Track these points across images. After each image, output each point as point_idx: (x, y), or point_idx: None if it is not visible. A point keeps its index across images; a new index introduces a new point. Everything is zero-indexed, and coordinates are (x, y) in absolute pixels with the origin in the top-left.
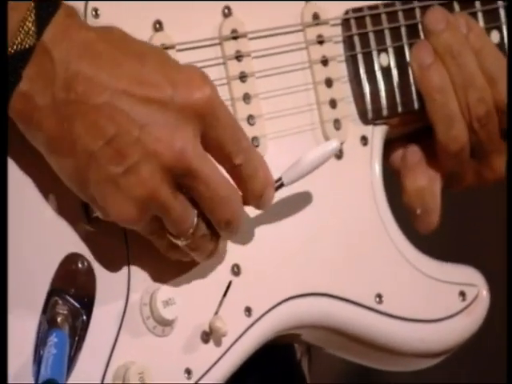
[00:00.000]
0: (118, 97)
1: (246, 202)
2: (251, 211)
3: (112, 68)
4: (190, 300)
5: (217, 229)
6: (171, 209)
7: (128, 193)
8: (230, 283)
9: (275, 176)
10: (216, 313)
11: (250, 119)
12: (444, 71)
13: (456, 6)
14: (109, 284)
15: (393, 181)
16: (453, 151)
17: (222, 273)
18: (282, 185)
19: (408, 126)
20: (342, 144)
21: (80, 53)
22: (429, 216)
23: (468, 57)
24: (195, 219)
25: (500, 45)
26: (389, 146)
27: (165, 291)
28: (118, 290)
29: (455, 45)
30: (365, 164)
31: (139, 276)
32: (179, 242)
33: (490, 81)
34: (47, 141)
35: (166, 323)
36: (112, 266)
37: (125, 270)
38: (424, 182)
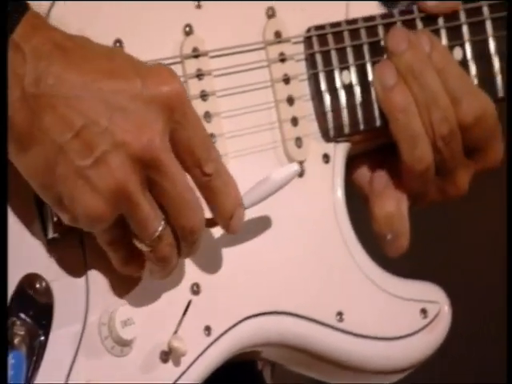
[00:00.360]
0: (87, 89)
1: (213, 222)
2: (212, 229)
3: (82, 63)
4: (148, 319)
5: (180, 237)
6: (139, 205)
7: (97, 185)
8: (189, 302)
9: None
10: (175, 332)
11: (211, 138)
12: (407, 91)
13: (419, 23)
14: (67, 304)
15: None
16: (418, 171)
17: (181, 292)
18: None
19: (370, 143)
20: (303, 162)
21: (50, 49)
22: (399, 240)
23: (430, 76)
24: (162, 223)
25: (463, 62)
26: (352, 162)
27: (123, 311)
28: (76, 309)
29: (417, 64)
30: (327, 182)
31: (98, 296)
32: (143, 247)
33: (453, 100)
34: (17, 137)
35: (125, 343)
36: (70, 285)
37: (83, 289)
38: (392, 208)
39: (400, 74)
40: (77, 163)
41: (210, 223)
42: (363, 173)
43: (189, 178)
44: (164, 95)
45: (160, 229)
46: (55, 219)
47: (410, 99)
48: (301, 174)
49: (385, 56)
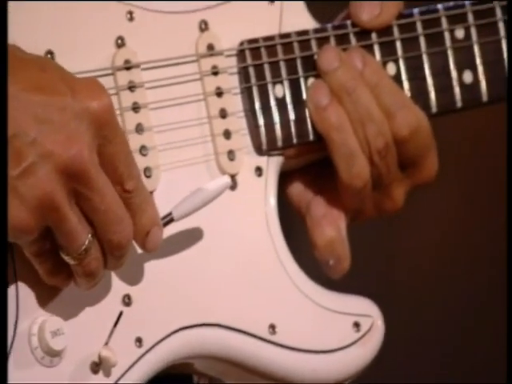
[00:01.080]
0: (17, 99)
1: (130, 240)
2: None
3: (12, 72)
4: (79, 330)
5: (106, 251)
6: (66, 218)
7: (23, 196)
8: (120, 313)
9: (166, 210)
10: (106, 343)
11: (143, 150)
12: (341, 110)
13: (352, 38)
14: None
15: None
16: (356, 188)
17: (112, 303)
18: (171, 220)
19: (305, 158)
20: (236, 175)
21: None
22: (341, 264)
23: (363, 92)
24: (89, 236)
25: (396, 77)
26: (287, 177)
27: (53, 321)
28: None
29: (349, 82)
30: (259, 195)
31: (27, 306)
32: (70, 260)
33: (388, 114)
34: None
35: (55, 354)
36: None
37: (13, 300)
38: (333, 233)
39: (333, 92)
40: (9, 172)
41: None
42: (298, 189)
43: None
44: (93, 110)
45: (87, 242)
46: None
47: (343, 117)
48: (233, 187)
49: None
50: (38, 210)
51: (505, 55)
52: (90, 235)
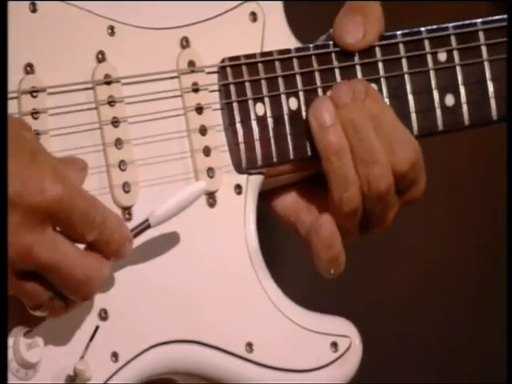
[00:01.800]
0: None
1: (106, 258)
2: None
3: None
4: (55, 343)
5: (71, 304)
6: (21, 293)
7: None
8: (96, 328)
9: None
10: (82, 357)
11: (122, 165)
12: (343, 136)
13: (334, 59)
14: None
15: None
16: (345, 212)
17: (89, 317)
18: (148, 226)
19: (287, 177)
20: (215, 192)
21: None
22: (340, 269)
23: (370, 131)
24: (48, 297)
25: None
26: (274, 193)
27: (28, 333)
28: None
29: (359, 120)
30: (238, 213)
31: None
32: (35, 313)
33: (389, 148)
34: None
35: (29, 366)
36: None
37: None
38: (338, 251)
39: (340, 121)
40: None
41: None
42: (286, 203)
43: None
44: (44, 204)
45: (46, 301)
46: None
47: (345, 144)
48: (213, 205)
49: (299, 87)
50: None
51: (487, 79)
52: (48, 296)
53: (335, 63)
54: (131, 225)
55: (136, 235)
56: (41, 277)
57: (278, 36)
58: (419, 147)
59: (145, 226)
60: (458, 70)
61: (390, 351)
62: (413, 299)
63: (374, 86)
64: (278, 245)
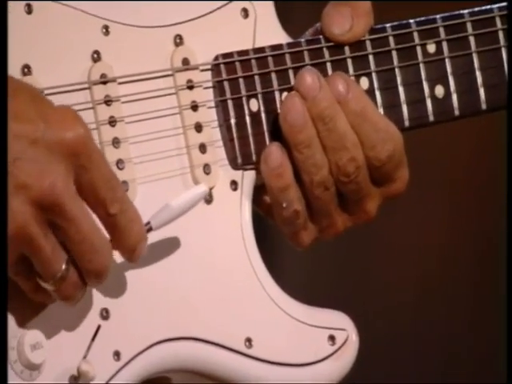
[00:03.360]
0: None
1: (118, 252)
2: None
3: None
4: (58, 344)
5: (85, 278)
6: (40, 248)
7: None
8: (98, 327)
9: (144, 220)
10: (84, 357)
11: (120, 163)
12: (312, 129)
13: (326, 52)
14: None
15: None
16: (317, 193)
17: (90, 317)
18: (150, 229)
19: None
20: (211, 189)
21: None
22: (292, 203)
23: (340, 121)
24: (64, 265)
25: (369, 91)
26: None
27: (32, 335)
28: None
29: (327, 111)
30: (235, 209)
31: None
32: (47, 286)
33: (369, 142)
34: None
35: (34, 367)
36: None
37: None
38: (289, 181)
39: (310, 115)
40: None
41: None
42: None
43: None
44: (67, 141)
45: (62, 269)
46: None
47: (314, 136)
48: (209, 201)
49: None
50: (12, 240)
51: (476, 69)
52: (64, 263)
53: (327, 57)
54: None
55: None
56: (60, 241)
57: (270, 31)
58: (401, 139)
59: (147, 228)
60: (447, 61)
61: (385, 346)
62: (410, 295)
63: (365, 79)
64: (276, 240)
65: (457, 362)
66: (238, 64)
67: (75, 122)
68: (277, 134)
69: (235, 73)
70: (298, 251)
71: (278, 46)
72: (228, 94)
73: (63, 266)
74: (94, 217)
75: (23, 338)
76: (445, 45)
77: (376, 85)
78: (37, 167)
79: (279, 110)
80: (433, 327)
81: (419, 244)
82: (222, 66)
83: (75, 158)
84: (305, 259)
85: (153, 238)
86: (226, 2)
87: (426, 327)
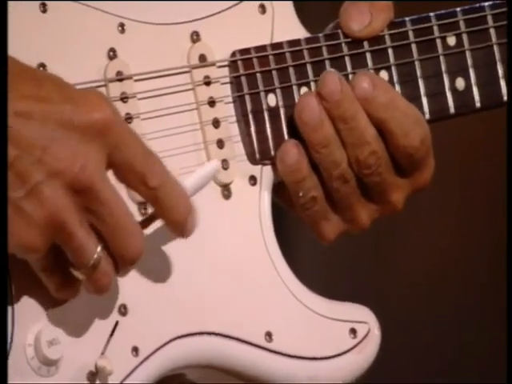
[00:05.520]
0: (18, 119)
1: (148, 221)
2: None
3: (9, 90)
4: (75, 340)
5: (119, 264)
6: (73, 234)
7: (30, 216)
8: (116, 323)
9: None
10: (102, 353)
11: None
12: (331, 129)
13: (344, 47)
14: None
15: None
16: (336, 186)
17: (108, 313)
18: None
19: None
20: (230, 184)
21: None
22: (308, 191)
23: (360, 117)
24: (98, 251)
25: (388, 83)
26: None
27: (49, 331)
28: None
29: (348, 112)
30: (253, 204)
31: (23, 316)
32: (79, 275)
33: (402, 133)
34: None
35: (51, 363)
36: None
37: (9, 310)
38: (305, 173)
39: (329, 115)
40: (10, 195)
41: (146, 223)
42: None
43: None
44: (95, 122)
45: (95, 256)
46: None
47: (333, 135)
48: (228, 196)
49: (310, 77)
50: (45, 229)
51: (497, 61)
52: (99, 249)
53: (345, 51)
54: None
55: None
56: (92, 228)
57: (288, 27)
58: (429, 130)
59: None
60: (468, 53)
61: (403, 338)
62: (427, 287)
63: (384, 72)
64: (293, 234)
65: (472, 354)
66: (255, 59)
67: (101, 102)
68: (295, 129)
69: (252, 68)
70: (314, 244)
71: (296, 42)
72: (245, 89)
73: (96, 253)
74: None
75: (40, 334)
76: (465, 37)
77: (396, 78)
78: (67, 151)
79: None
80: (450, 319)
81: (436, 237)
82: (239, 62)
83: (105, 139)
84: (322, 252)
85: (171, 233)
86: None
87: (443, 319)
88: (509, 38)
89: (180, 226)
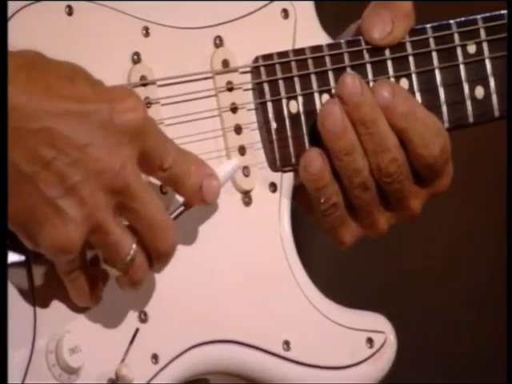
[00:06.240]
0: (56, 120)
1: (190, 203)
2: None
3: (45, 90)
4: (96, 347)
5: (154, 259)
6: (110, 232)
7: (68, 215)
8: (136, 330)
9: (183, 224)
10: (123, 360)
11: None
12: (353, 135)
13: (365, 55)
14: (14, 331)
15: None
16: (356, 193)
17: (129, 320)
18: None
19: None
20: (250, 191)
21: (10, 78)
22: (330, 199)
23: (381, 125)
24: (134, 246)
25: (409, 91)
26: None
27: (71, 338)
28: (24, 337)
29: (368, 115)
30: (274, 211)
31: (45, 323)
32: (115, 272)
33: (422, 143)
34: None
35: (72, 371)
36: (17, 312)
37: (31, 316)
38: (328, 180)
39: (350, 119)
40: (47, 194)
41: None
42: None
43: None
44: (132, 123)
45: (132, 252)
46: None
47: (355, 142)
48: (248, 203)
49: (332, 84)
50: (83, 228)
51: None
52: (134, 245)
53: (366, 58)
54: None
55: (175, 218)
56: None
57: (310, 32)
58: (448, 137)
59: (183, 209)
60: (488, 61)
61: (417, 344)
62: (440, 293)
63: (405, 80)
64: (308, 241)
65: (493, 361)
66: (277, 65)
67: (137, 103)
68: (316, 136)
69: (275, 74)
70: (330, 250)
71: (318, 48)
72: (268, 96)
73: (132, 249)
74: None
75: (62, 342)
76: (485, 45)
77: (416, 86)
78: (104, 152)
79: (319, 112)
80: (465, 326)
81: (450, 243)
82: (261, 68)
83: (140, 138)
84: (338, 259)
85: (190, 240)
86: (266, 2)
87: (457, 325)
88: (509, 38)
89: (196, 194)
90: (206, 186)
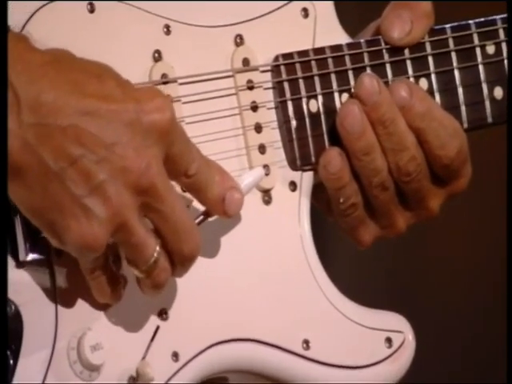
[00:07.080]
0: (83, 117)
1: (211, 213)
2: None
3: (73, 87)
4: (117, 345)
5: (177, 262)
6: (135, 231)
7: (94, 213)
8: (157, 328)
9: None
10: (143, 358)
11: None
12: (372, 135)
13: (385, 54)
14: (36, 328)
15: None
16: (375, 192)
17: (149, 318)
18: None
19: None
20: (270, 190)
21: (38, 74)
22: (349, 198)
23: (399, 124)
24: (157, 248)
25: (428, 91)
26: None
27: (92, 336)
28: (46, 334)
29: (387, 115)
30: (293, 210)
31: (67, 320)
32: (138, 273)
33: (439, 144)
34: (11, 164)
35: (93, 368)
36: (39, 310)
37: (52, 313)
38: (347, 180)
39: (369, 119)
40: (73, 191)
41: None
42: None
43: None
44: (159, 122)
45: (155, 254)
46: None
47: (374, 141)
48: (268, 202)
49: (352, 84)
50: (109, 227)
51: None
52: (158, 246)
53: (386, 58)
54: None
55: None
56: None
57: (330, 31)
58: (465, 138)
59: (204, 218)
60: (506, 62)
61: (436, 344)
62: (461, 293)
63: (424, 80)
64: (328, 240)
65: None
66: (297, 64)
67: (164, 102)
68: (336, 135)
69: (295, 73)
70: (349, 249)
71: (338, 47)
72: (288, 95)
73: (156, 251)
74: None
75: (83, 339)
76: (504, 46)
77: (435, 86)
78: (131, 151)
79: (339, 111)
80: (487, 327)
81: (471, 244)
82: (281, 67)
83: (166, 138)
84: (357, 259)
85: (210, 239)
86: (286, 1)
87: (479, 328)
88: (509, 38)
89: (218, 206)
90: (229, 198)
